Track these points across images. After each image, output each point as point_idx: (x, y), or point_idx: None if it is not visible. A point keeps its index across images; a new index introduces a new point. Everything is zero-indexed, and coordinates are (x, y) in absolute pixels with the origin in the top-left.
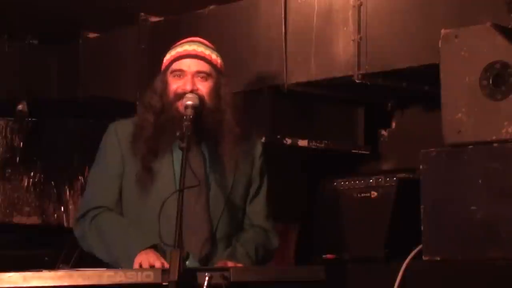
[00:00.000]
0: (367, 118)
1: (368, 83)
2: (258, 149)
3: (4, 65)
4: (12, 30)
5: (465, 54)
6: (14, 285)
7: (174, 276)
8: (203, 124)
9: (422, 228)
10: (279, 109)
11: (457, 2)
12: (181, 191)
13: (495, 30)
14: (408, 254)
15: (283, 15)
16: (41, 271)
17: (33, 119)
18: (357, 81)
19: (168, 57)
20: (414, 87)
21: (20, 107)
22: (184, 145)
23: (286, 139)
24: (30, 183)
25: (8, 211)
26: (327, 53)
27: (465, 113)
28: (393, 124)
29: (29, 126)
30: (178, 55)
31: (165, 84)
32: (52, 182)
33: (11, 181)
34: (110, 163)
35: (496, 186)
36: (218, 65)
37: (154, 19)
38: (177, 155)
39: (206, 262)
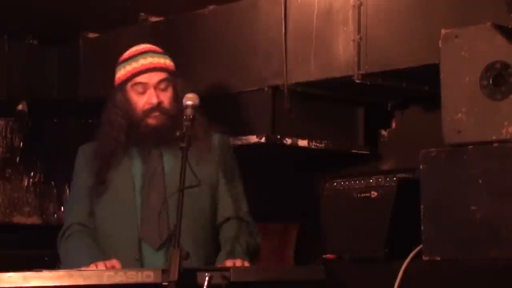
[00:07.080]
0: (367, 118)
1: (368, 83)
2: (222, 144)
3: (4, 65)
4: (12, 30)
5: (465, 54)
6: (14, 285)
7: (174, 276)
8: (167, 131)
9: (422, 228)
10: (279, 109)
11: (457, 2)
12: (181, 191)
13: (495, 30)
14: (408, 254)
15: (283, 15)
16: (41, 271)
17: (33, 119)
18: (357, 81)
19: (123, 72)
20: (414, 87)
21: (20, 107)
22: (184, 145)
23: (286, 139)
24: (30, 183)
25: (8, 211)
26: (327, 53)
27: (465, 113)
28: (393, 124)
29: (29, 126)
30: (137, 70)
31: (128, 99)
32: (52, 182)
33: (11, 181)
34: (80, 182)
35: (496, 186)
36: (172, 68)
37: (154, 19)
38: (137, 161)
39: (165, 249)
